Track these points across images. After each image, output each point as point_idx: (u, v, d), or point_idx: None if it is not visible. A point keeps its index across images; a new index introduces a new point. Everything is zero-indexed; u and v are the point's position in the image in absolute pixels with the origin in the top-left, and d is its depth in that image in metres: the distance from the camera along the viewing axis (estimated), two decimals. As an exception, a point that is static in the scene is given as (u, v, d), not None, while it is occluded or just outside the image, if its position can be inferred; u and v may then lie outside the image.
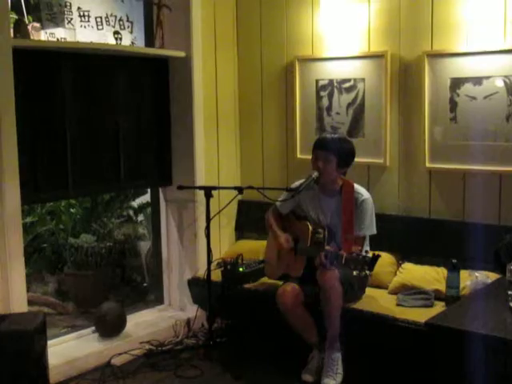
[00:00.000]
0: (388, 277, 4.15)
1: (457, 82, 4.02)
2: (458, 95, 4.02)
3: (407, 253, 4.24)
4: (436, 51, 4.08)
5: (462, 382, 2.65)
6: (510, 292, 2.85)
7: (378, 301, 3.95)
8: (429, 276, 4.01)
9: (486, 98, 3.92)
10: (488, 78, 3.90)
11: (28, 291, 3.95)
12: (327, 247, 3.66)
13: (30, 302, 4.27)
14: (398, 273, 4.17)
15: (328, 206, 3.93)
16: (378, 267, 3.87)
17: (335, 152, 3.82)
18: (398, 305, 3.87)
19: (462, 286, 3.74)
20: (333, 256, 3.56)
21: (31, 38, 3.91)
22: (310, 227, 3.88)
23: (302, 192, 3.89)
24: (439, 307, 3.68)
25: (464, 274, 3.76)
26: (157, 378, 4.03)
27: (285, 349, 4.10)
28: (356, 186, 3.91)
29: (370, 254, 3.40)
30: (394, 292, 4.05)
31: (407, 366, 3.55)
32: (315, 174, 3.89)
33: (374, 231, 3.87)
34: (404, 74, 4.24)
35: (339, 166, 3.85)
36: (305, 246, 3.87)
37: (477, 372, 2.59)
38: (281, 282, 4.06)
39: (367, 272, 3.40)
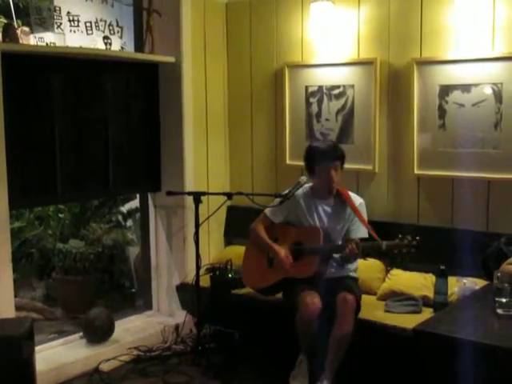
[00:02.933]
0: (376, 283, 4.16)
1: (445, 89, 4.04)
2: (447, 102, 4.04)
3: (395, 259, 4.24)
4: (425, 58, 4.10)
5: (449, 387, 2.66)
6: (497, 298, 2.86)
7: (366, 307, 3.94)
8: (417, 282, 4.02)
9: (474, 105, 3.95)
10: (476, 85, 3.92)
11: (16, 296, 3.93)
12: (356, 239, 3.70)
13: (18, 308, 4.25)
14: (386, 279, 4.17)
15: (324, 211, 3.97)
16: (366, 273, 3.91)
17: (340, 158, 3.93)
18: (386, 311, 3.88)
19: (450, 292, 3.75)
20: (369, 246, 3.65)
21: (20, 42, 3.90)
22: (321, 230, 3.88)
23: (294, 198, 3.94)
24: (427, 313, 3.68)
25: (452, 281, 3.78)
26: (145, 383, 4.02)
27: (273, 354, 4.10)
28: (349, 191, 4.00)
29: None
30: (382, 298, 4.05)
31: (395, 372, 3.55)
32: (304, 180, 3.93)
33: (367, 235, 3.89)
34: (393, 80, 4.26)
35: (341, 169, 3.96)
36: (317, 244, 3.85)
37: (465, 378, 2.59)
38: (260, 293, 4.09)
39: (412, 253, 3.54)
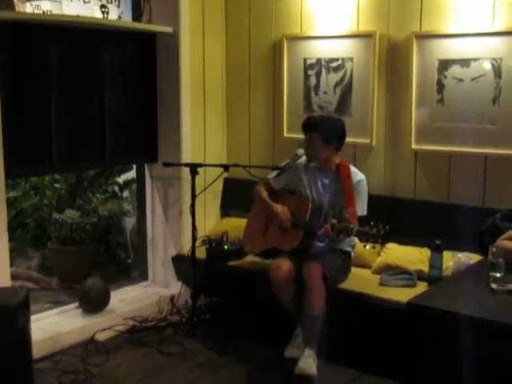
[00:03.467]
0: (372, 257, 4.17)
1: (444, 64, 4.02)
2: (446, 77, 4.02)
3: (391, 233, 4.25)
4: (424, 32, 4.07)
5: (443, 361, 2.68)
6: (491, 273, 2.88)
7: (361, 280, 3.97)
8: (412, 256, 4.04)
9: (473, 80, 3.93)
10: (476, 60, 3.90)
11: (11, 266, 3.93)
12: (333, 220, 3.66)
13: (14, 277, 4.26)
14: (381, 253, 4.18)
15: (324, 185, 3.96)
16: (361, 247, 3.90)
17: (318, 130, 3.86)
18: (381, 284, 3.90)
19: (444, 266, 3.77)
20: (340, 228, 3.59)
21: (16, 10, 3.86)
22: (310, 203, 3.89)
23: (295, 168, 3.96)
24: (422, 287, 3.70)
25: (447, 255, 3.79)
26: (140, 353, 4.05)
27: (269, 326, 4.12)
28: (351, 166, 3.97)
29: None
30: (377, 272, 4.07)
31: (390, 345, 3.58)
32: (301, 152, 3.93)
33: (365, 213, 3.88)
34: (392, 54, 4.23)
35: (324, 143, 3.87)
36: (303, 219, 3.87)
37: (458, 352, 2.61)
38: (261, 260, 4.12)
39: (379, 245, 3.47)
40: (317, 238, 3.79)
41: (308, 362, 3.57)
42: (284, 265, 3.80)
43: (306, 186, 4.00)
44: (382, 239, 3.45)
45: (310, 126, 3.92)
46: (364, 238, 3.50)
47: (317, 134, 3.86)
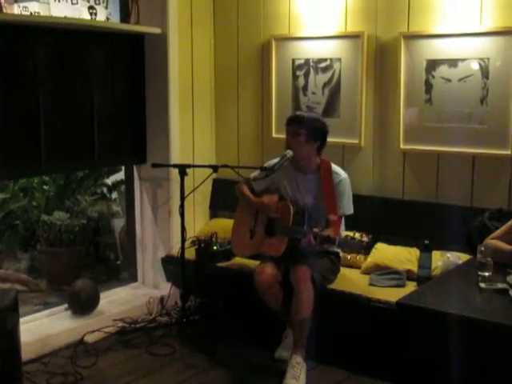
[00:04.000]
0: (361, 257, 4.17)
1: (432, 64, 4.03)
2: (434, 77, 4.04)
3: (380, 233, 4.27)
4: (412, 32, 4.09)
5: (433, 360, 2.69)
6: (480, 273, 2.89)
7: (350, 280, 3.97)
8: (401, 256, 4.05)
9: (460, 80, 3.95)
10: (463, 60, 3.92)
11: (0, 268, 3.91)
12: (315, 229, 3.63)
13: (2, 279, 4.25)
14: (371, 253, 4.18)
15: (306, 186, 3.91)
16: (351, 247, 3.89)
17: (303, 126, 3.82)
18: (370, 284, 3.91)
19: (433, 266, 3.78)
20: (323, 238, 3.55)
21: (4, 11, 3.84)
22: (292, 208, 3.83)
23: (279, 171, 3.89)
24: (411, 287, 3.71)
25: (436, 255, 3.81)
26: (130, 355, 4.04)
27: (258, 327, 4.12)
28: (333, 165, 3.91)
29: (365, 238, 3.40)
30: (366, 272, 4.08)
31: (379, 346, 3.59)
32: (290, 154, 3.90)
33: (352, 211, 3.88)
34: (380, 54, 4.25)
35: (308, 140, 3.83)
36: (286, 226, 3.82)
37: (447, 350, 2.62)
38: (251, 261, 4.10)
39: (363, 255, 3.43)
40: (301, 246, 3.74)
41: (295, 373, 3.57)
42: (268, 269, 3.78)
43: (287, 189, 3.98)
44: (365, 250, 3.43)
45: (296, 119, 3.88)
46: (347, 249, 3.49)
47: (302, 128, 3.81)
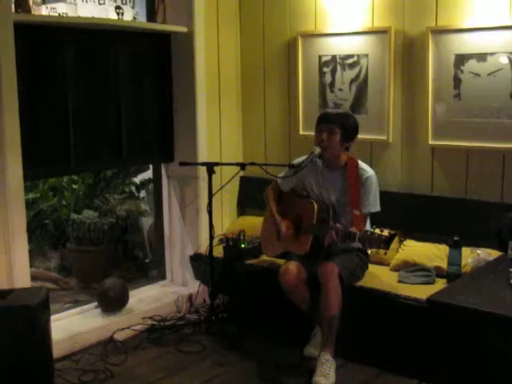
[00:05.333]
0: (390, 254, 4.11)
1: (461, 59, 3.99)
2: (462, 72, 4.00)
3: (409, 230, 4.24)
4: (440, 27, 4.05)
5: (462, 358, 2.67)
6: (511, 269, 2.86)
7: (379, 278, 3.95)
8: (430, 253, 4.01)
9: (490, 74, 3.90)
10: (492, 54, 3.87)
11: (31, 267, 3.96)
12: (338, 225, 3.62)
13: (33, 278, 4.28)
14: (399, 250, 4.17)
15: (332, 183, 3.89)
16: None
17: (340, 125, 3.79)
18: (399, 282, 3.89)
19: (463, 263, 3.74)
20: (344, 234, 3.54)
21: (32, 12, 3.88)
22: (316, 205, 3.83)
23: (305, 168, 3.89)
24: (440, 284, 3.69)
25: (466, 252, 3.77)
26: (159, 352, 4.06)
27: (287, 324, 4.12)
28: (360, 162, 3.88)
29: (386, 233, 3.38)
30: (395, 269, 4.05)
31: (408, 343, 3.57)
32: (317, 150, 3.87)
33: (378, 208, 3.84)
34: (408, 50, 4.21)
35: (343, 140, 3.81)
36: (311, 224, 3.83)
37: (477, 349, 2.60)
38: (280, 259, 4.08)
39: (383, 250, 3.40)
40: (325, 242, 3.72)
41: (325, 371, 3.56)
42: (292, 268, 3.78)
43: (313, 186, 3.96)
44: (385, 244, 3.39)
45: (331, 117, 3.83)
46: (367, 244, 3.47)
47: (337, 127, 3.78)
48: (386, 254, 3.51)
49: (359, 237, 3.46)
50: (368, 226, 3.76)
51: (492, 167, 3.98)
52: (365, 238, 3.44)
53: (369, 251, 3.47)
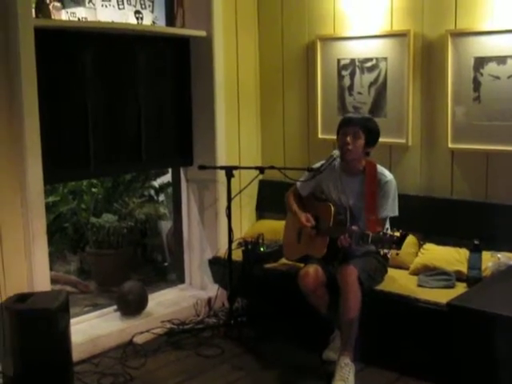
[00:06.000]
0: (409, 257, 4.13)
1: (480, 61, 3.97)
2: (482, 75, 3.97)
3: (429, 233, 4.22)
4: (460, 30, 4.03)
5: (482, 363, 2.65)
6: (532, 273, 2.83)
7: (399, 281, 3.94)
8: (450, 257, 3.99)
9: (510, 77, 3.87)
10: (512, 57, 3.85)
11: (50, 270, 3.98)
12: (353, 228, 3.62)
13: (53, 281, 4.31)
14: (419, 253, 4.15)
15: (350, 187, 3.89)
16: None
17: (364, 129, 3.80)
18: (419, 285, 3.86)
19: (483, 267, 3.71)
20: (358, 236, 3.53)
21: (52, 17, 3.92)
22: (333, 208, 3.85)
23: (323, 172, 3.89)
24: (461, 288, 3.66)
25: (486, 255, 3.74)
26: (178, 356, 4.07)
27: (306, 328, 4.12)
28: (379, 166, 3.87)
29: (398, 233, 3.38)
30: (415, 273, 4.03)
31: (428, 347, 3.55)
32: (337, 154, 3.88)
33: (396, 213, 3.82)
34: (427, 53, 4.19)
35: (366, 144, 3.82)
36: (327, 226, 3.84)
37: (498, 353, 2.58)
38: (300, 263, 4.08)
39: (395, 250, 3.39)
40: (338, 245, 3.70)
41: (344, 375, 3.54)
42: (311, 271, 3.78)
43: (332, 191, 3.96)
44: (397, 245, 3.37)
45: (356, 121, 3.83)
46: (379, 245, 3.45)
47: (362, 132, 3.78)
48: (397, 254, 3.50)
49: (372, 238, 3.45)
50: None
51: (512, 170, 3.95)
52: (377, 239, 3.43)
53: (381, 252, 3.46)
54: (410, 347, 3.66)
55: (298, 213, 4.03)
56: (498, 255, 3.73)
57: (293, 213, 4.09)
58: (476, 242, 3.70)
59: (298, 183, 4.11)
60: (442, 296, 3.47)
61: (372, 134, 3.83)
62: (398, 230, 3.37)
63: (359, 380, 3.59)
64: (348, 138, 3.78)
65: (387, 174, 3.86)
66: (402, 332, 3.69)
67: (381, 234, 3.42)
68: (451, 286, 3.77)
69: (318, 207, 4.00)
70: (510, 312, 2.56)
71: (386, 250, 3.40)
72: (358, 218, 3.84)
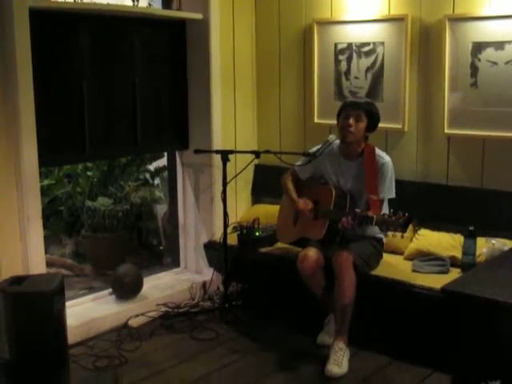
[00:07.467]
0: (404, 243, 4.13)
1: (478, 47, 3.95)
2: (479, 60, 3.96)
3: (424, 219, 4.23)
4: (458, 15, 4.01)
5: (475, 347, 2.66)
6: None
7: (393, 267, 3.95)
8: (445, 242, 4.00)
9: (507, 63, 3.86)
10: (510, 42, 3.82)
11: (46, 253, 3.98)
12: (356, 210, 3.63)
13: (48, 264, 4.32)
14: (414, 239, 4.16)
15: (349, 171, 3.90)
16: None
17: (367, 113, 3.81)
18: (413, 271, 3.88)
19: (478, 253, 3.73)
20: (362, 218, 3.55)
21: (48, -1, 3.89)
22: (334, 191, 3.85)
23: (320, 156, 3.90)
24: (455, 274, 3.67)
25: (481, 241, 3.75)
26: (173, 339, 4.08)
27: (300, 312, 4.13)
28: (377, 149, 3.89)
29: (403, 217, 3.38)
30: (409, 258, 4.05)
31: (422, 332, 3.56)
32: (332, 139, 3.89)
33: (393, 195, 3.84)
34: (424, 38, 4.18)
35: (367, 128, 3.83)
36: (328, 209, 3.84)
37: (491, 338, 2.59)
38: (293, 246, 4.10)
39: (400, 233, 3.40)
40: (340, 227, 3.71)
41: (338, 359, 3.57)
42: (311, 254, 3.79)
43: (331, 174, 3.97)
44: (402, 227, 3.39)
45: (360, 105, 3.84)
46: (384, 227, 3.47)
47: (365, 115, 3.80)
48: (402, 237, 3.50)
49: (377, 220, 3.46)
50: (386, 212, 3.75)
51: (508, 157, 3.94)
52: (382, 221, 3.45)
53: (385, 235, 3.47)
54: (404, 332, 3.67)
55: (295, 199, 4.03)
56: (493, 241, 3.74)
57: (289, 197, 4.09)
58: (471, 228, 3.71)
59: (296, 167, 4.10)
60: (436, 281, 3.48)
61: (374, 119, 3.85)
62: (404, 214, 3.38)
63: (353, 364, 3.62)
64: (350, 120, 3.79)
65: (385, 156, 3.88)
66: (397, 317, 3.70)
67: (386, 216, 3.44)
68: (445, 272, 3.79)
69: (317, 190, 3.99)
70: (504, 297, 2.56)
71: (390, 233, 3.42)
72: (357, 201, 3.85)
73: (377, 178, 3.78)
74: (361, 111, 3.80)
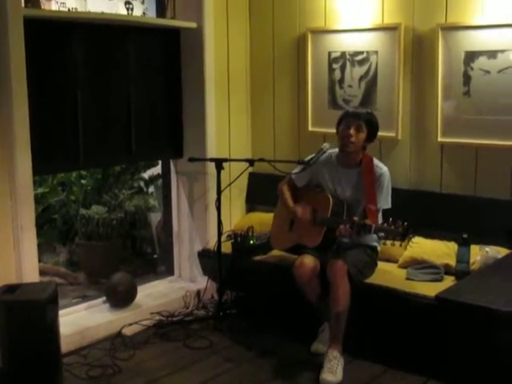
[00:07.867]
0: (398, 251, 4.12)
1: (471, 56, 3.97)
2: (472, 69, 3.98)
3: (418, 227, 4.22)
4: (450, 24, 4.03)
5: (470, 355, 2.66)
6: (520, 267, 2.85)
7: (387, 275, 3.95)
8: (439, 250, 4.01)
9: (500, 72, 3.88)
10: (503, 51, 3.85)
11: (39, 261, 3.97)
12: (354, 218, 3.63)
13: (42, 273, 4.31)
14: (408, 247, 4.14)
15: (347, 180, 3.92)
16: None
17: (368, 123, 3.83)
18: (407, 279, 3.88)
19: (472, 260, 3.73)
20: (360, 226, 3.55)
21: (42, 7, 3.89)
22: (331, 199, 3.85)
23: (317, 164, 3.92)
24: (449, 282, 3.68)
25: (474, 249, 3.76)
26: (167, 348, 4.07)
27: (295, 321, 4.12)
28: (374, 159, 3.91)
29: (401, 226, 3.39)
30: (403, 266, 4.05)
31: (417, 340, 3.56)
32: (326, 147, 3.91)
33: (389, 205, 3.85)
34: (418, 46, 4.20)
35: (367, 139, 3.85)
36: (325, 216, 3.84)
37: (485, 346, 2.59)
38: (287, 254, 4.11)
39: (398, 242, 3.42)
40: (337, 235, 3.73)
41: (332, 367, 3.56)
42: (307, 261, 3.78)
43: (328, 182, 3.98)
44: (401, 236, 3.41)
45: (360, 115, 3.85)
46: (383, 235, 3.48)
47: (365, 126, 3.82)
48: (401, 245, 3.51)
49: (375, 228, 3.48)
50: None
51: (501, 165, 3.96)
52: (381, 230, 3.46)
53: (383, 243, 3.48)
54: (398, 340, 3.67)
55: (291, 206, 4.03)
56: (486, 249, 3.75)
57: (286, 204, 4.09)
58: (464, 236, 3.72)
59: (293, 175, 4.11)
60: (430, 289, 3.49)
61: (374, 130, 3.87)
62: (403, 223, 3.39)
63: (347, 373, 3.61)
64: (351, 131, 3.80)
65: (382, 167, 3.90)
66: (391, 325, 3.70)
67: (385, 225, 3.45)
68: (439, 280, 3.79)
69: (314, 197, 4.00)
70: (498, 305, 2.57)
71: (389, 242, 3.43)
72: (354, 210, 3.86)
73: (375, 188, 3.79)
74: (361, 122, 3.81)
